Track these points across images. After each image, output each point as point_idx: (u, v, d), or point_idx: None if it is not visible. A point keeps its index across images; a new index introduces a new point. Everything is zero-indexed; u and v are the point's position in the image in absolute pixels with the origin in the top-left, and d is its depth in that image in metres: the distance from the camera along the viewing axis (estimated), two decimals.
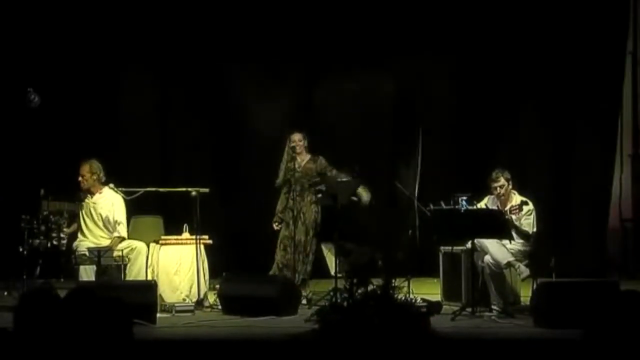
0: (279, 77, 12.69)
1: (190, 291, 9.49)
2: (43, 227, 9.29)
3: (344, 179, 9.66)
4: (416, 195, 9.91)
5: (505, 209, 9.00)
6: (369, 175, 9.97)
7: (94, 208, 9.77)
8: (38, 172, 10.56)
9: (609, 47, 12.32)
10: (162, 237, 9.78)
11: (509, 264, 8.88)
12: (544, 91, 12.52)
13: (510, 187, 9.18)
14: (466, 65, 12.63)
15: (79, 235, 9.77)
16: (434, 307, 8.53)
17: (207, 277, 9.63)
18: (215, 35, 12.56)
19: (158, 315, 8.49)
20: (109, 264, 9.29)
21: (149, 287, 8.66)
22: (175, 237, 9.73)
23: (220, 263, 10.20)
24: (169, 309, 9.05)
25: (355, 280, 6.81)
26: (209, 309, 9.32)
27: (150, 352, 6.49)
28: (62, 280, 9.43)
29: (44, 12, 12.10)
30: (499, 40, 12.49)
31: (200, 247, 9.54)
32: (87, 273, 9.39)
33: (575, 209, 12.42)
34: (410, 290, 9.14)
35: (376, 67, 12.67)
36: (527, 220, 9.04)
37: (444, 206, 9.13)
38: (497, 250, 8.89)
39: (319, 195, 9.90)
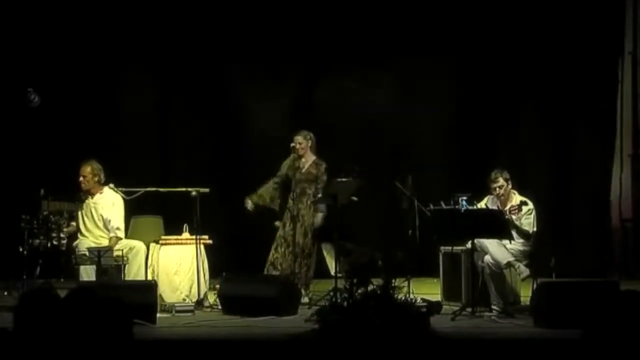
0: (279, 77, 12.69)
1: (190, 291, 9.49)
2: (43, 227, 9.29)
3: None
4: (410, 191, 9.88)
5: (505, 209, 9.00)
6: (368, 175, 9.96)
7: (95, 209, 9.77)
8: (38, 172, 10.55)
9: (607, 47, 12.33)
10: (162, 237, 9.79)
11: (509, 264, 8.88)
12: (543, 91, 12.53)
13: (510, 187, 9.18)
14: (466, 65, 12.64)
15: (79, 234, 9.78)
16: (434, 307, 8.53)
17: (207, 277, 9.63)
18: (215, 35, 12.57)
19: (158, 315, 8.49)
20: (109, 264, 9.29)
21: (149, 287, 8.66)
22: (175, 237, 9.74)
23: (220, 263, 10.20)
24: (169, 309, 9.04)
25: (355, 280, 6.81)
26: (209, 309, 9.32)
27: (150, 352, 6.49)
28: (62, 280, 9.43)
29: (44, 12, 12.10)
30: (499, 41, 12.50)
31: (200, 247, 9.55)
32: (87, 273, 9.39)
33: (575, 208, 12.42)
34: (410, 290, 9.14)
35: (376, 67, 12.68)
36: (527, 220, 9.04)
37: (444, 206, 9.13)
38: (497, 250, 8.89)
39: (319, 195, 9.88)
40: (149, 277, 9.48)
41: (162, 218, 10.33)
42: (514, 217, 8.97)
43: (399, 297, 6.94)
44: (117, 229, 9.73)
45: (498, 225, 8.81)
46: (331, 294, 8.59)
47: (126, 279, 9.34)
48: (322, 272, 10.20)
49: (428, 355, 5.69)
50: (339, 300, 7.05)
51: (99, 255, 9.20)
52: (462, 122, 12.69)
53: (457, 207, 9.11)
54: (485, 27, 12.51)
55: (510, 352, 7.06)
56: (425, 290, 9.93)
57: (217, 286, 9.46)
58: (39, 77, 10.88)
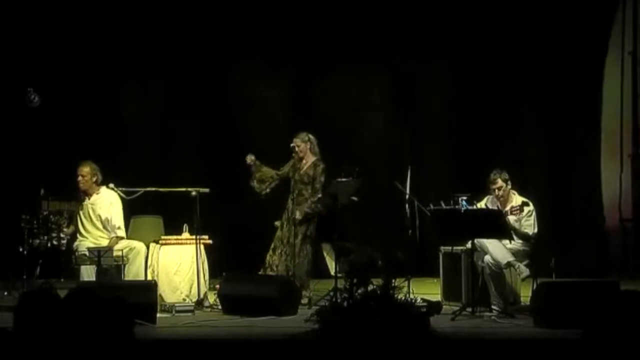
0: (279, 77, 12.69)
1: (190, 291, 9.50)
2: (43, 227, 9.29)
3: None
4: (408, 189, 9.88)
5: (506, 209, 9.00)
6: (368, 175, 9.96)
7: (92, 209, 9.78)
8: (38, 172, 10.55)
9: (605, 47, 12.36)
10: (162, 237, 9.78)
11: (509, 264, 8.88)
12: (544, 91, 12.52)
13: (509, 187, 9.18)
14: (466, 65, 12.64)
15: (78, 235, 9.78)
16: (434, 307, 8.52)
17: (207, 277, 9.63)
18: (215, 35, 12.56)
19: (158, 315, 8.49)
20: (109, 264, 9.29)
21: (149, 287, 8.66)
22: (175, 237, 9.74)
23: (220, 263, 10.20)
24: (169, 309, 9.04)
25: (355, 280, 6.82)
26: (209, 309, 9.32)
27: (150, 352, 6.50)
28: (62, 280, 9.43)
29: (44, 12, 12.10)
30: (500, 40, 12.49)
31: (200, 247, 9.55)
32: (87, 273, 9.40)
33: (575, 209, 12.42)
34: (410, 290, 9.14)
35: (374, 65, 12.68)
36: (528, 222, 9.03)
37: (444, 206, 9.13)
38: (497, 250, 8.88)
39: (319, 196, 9.87)
40: (149, 277, 9.48)
41: (162, 218, 10.33)
42: (514, 217, 8.97)
43: (399, 297, 6.95)
44: (118, 228, 9.74)
45: (498, 225, 8.80)
46: (331, 294, 8.59)
47: (126, 279, 9.35)
48: (322, 272, 10.20)
49: (428, 355, 5.70)
50: (339, 300, 7.07)
51: (99, 255, 9.20)
52: (462, 122, 12.68)
53: (457, 207, 9.11)
54: (485, 26, 12.51)
55: (510, 352, 7.06)
56: (425, 290, 9.93)
57: (217, 286, 9.45)
58: (39, 77, 10.88)
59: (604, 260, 12.09)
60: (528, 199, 9.17)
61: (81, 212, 9.80)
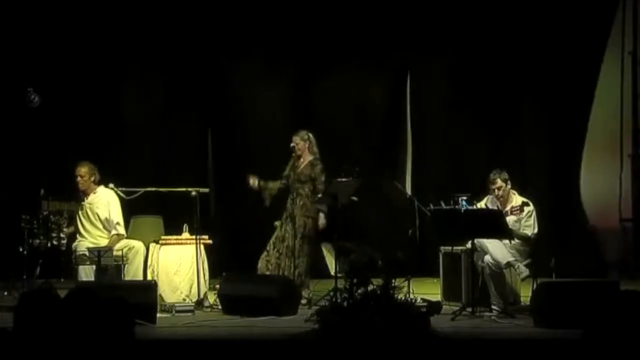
0: (279, 77, 12.69)
1: (190, 291, 9.50)
2: (43, 227, 9.29)
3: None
4: (408, 187, 9.89)
5: (506, 209, 8.99)
6: (368, 174, 9.96)
7: (90, 209, 9.78)
8: (38, 172, 10.55)
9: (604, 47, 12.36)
10: (162, 237, 9.79)
11: (509, 264, 8.88)
12: (543, 91, 12.52)
13: (509, 187, 9.17)
14: (466, 65, 12.63)
15: (78, 235, 9.79)
16: (434, 307, 8.52)
17: (207, 277, 9.63)
18: (215, 35, 12.56)
19: (158, 315, 8.49)
20: (108, 263, 9.29)
21: (149, 287, 8.66)
22: (175, 237, 9.73)
23: (220, 263, 10.19)
24: (169, 309, 9.04)
25: (355, 280, 6.81)
26: (209, 309, 9.32)
27: (150, 352, 6.50)
28: (62, 280, 9.43)
29: (44, 12, 12.10)
30: (499, 40, 12.49)
31: (200, 247, 9.54)
32: (87, 273, 9.40)
33: (575, 209, 12.41)
34: (410, 290, 9.14)
35: (373, 65, 12.68)
36: (528, 222, 9.03)
37: (444, 206, 9.12)
38: (497, 250, 8.88)
39: (319, 196, 9.87)
40: (149, 277, 9.48)
41: (162, 218, 10.33)
42: (515, 217, 8.97)
43: (399, 297, 6.95)
44: (118, 224, 9.73)
45: (498, 225, 8.80)
46: (331, 294, 8.59)
47: (126, 279, 9.35)
48: (322, 272, 10.20)
49: (428, 355, 5.70)
50: (339, 300, 7.06)
51: (98, 255, 9.21)
52: (462, 122, 12.68)
53: (457, 207, 9.10)
54: (485, 26, 12.50)
55: (510, 352, 7.06)
56: (425, 290, 9.92)
57: (217, 286, 9.45)
58: (39, 77, 10.88)
59: (598, 260, 12.08)
60: (528, 199, 9.17)
61: (80, 212, 9.81)
